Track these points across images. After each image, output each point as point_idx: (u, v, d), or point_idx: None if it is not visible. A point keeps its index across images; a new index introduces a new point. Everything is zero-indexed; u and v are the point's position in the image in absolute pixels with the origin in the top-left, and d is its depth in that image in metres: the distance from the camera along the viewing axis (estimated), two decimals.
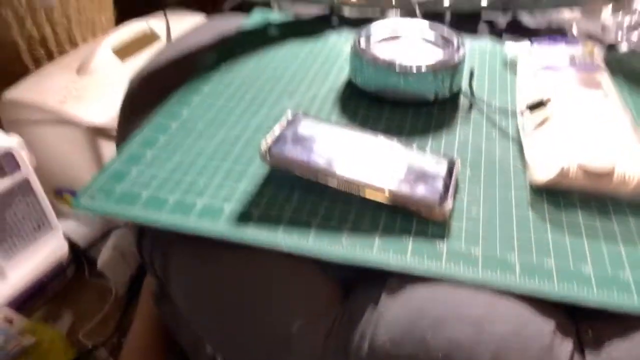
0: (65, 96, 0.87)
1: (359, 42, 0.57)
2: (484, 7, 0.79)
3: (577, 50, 0.56)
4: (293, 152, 0.43)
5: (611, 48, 0.69)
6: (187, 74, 0.61)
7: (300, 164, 0.42)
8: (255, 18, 0.75)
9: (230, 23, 0.75)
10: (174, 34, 1.07)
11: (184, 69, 0.62)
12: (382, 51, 0.57)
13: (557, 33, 0.74)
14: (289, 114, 0.48)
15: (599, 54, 0.58)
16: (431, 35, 0.60)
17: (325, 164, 0.42)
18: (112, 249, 0.85)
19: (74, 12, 1.09)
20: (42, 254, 0.84)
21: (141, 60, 0.98)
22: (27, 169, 0.78)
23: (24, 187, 0.79)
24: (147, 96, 0.59)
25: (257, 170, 0.45)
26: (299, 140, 0.44)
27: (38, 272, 0.83)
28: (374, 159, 0.43)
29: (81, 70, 0.93)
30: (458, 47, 0.56)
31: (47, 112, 0.86)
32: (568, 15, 0.76)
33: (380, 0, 0.80)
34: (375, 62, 0.54)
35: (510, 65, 0.63)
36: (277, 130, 0.45)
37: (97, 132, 0.85)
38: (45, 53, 1.09)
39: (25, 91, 0.90)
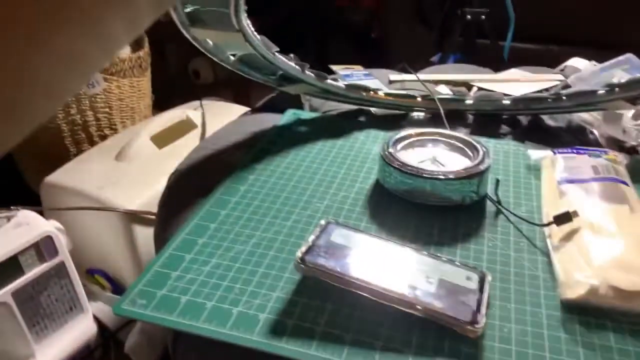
0: (104, 182, 0.91)
1: (387, 147, 0.60)
2: (505, 109, 0.82)
3: (600, 161, 0.58)
4: (326, 261, 0.45)
5: (633, 151, 0.71)
6: (223, 173, 0.64)
7: (333, 274, 0.44)
8: (287, 117, 0.80)
9: (264, 122, 0.79)
10: (210, 123, 1.13)
11: (220, 168, 0.66)
12: (409, 157, 0.60)
13: (577, 134, 0.77)
14: (322, 222, 0.50)
15: (622, 162, 0.60)
16: (458, 142, 0.63)
17: (358, 274, 0.43)
18: (139, 333, 0.85)
19: (115, 100, 1.17)
20: (72, 336, 0.85)
21: (177, 147, 1.03)
22: (64, 253, 0.81)
23: (60, 270, 0.81)
24: (184, 196, 0.62)
25: (290, 277, 0.47)
26: (331, 249, 0.46)
27: (66, 353, 0.84)
28: (406, 271, 0.45)
29: (120, 156, 0.98)
30: (483, 156, 0.58)
31: (85, 197, 0.90)
32: (588, 117, 0.79)
33: (405, 99, 0.84)
34: (403, 168, 0.57)
35: (534, 170, 0.65)
36: (310, 239, 0.47)
37: (132, 218, 0.88)
38: (86, 137, 1.16)
39: (65, 176, 0.95)
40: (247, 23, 0.61)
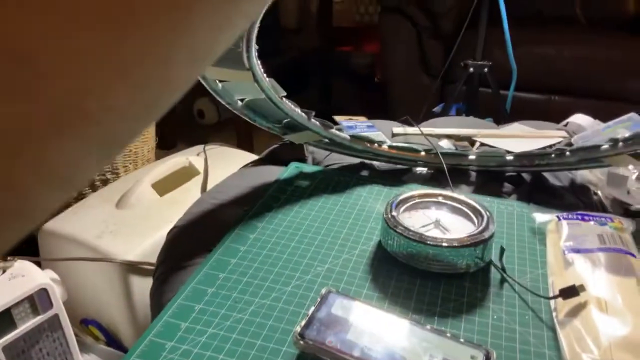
0: (103, 231, 0.90)
1: (390, 210, 0.60)
2: (508, 165, 0.82)
3: (606, 229, 0.57)
4: (326, 337, 0.43)
5: (638, 215, 0.70)
6: (223, 231, 0.63)
7: (333, 352, 0.42)
8: (289, 171, 0.80)
9: (266, 175, 0.79)
10: (212, 169, 1.13)
11: (220, 225, 0.65)
12: (412, 220, 0.59)
13: (581, 195, 0.76)
14: (322, 291, 0.49)
15: (628, 229, 0.59)
16: (461, 205, 0.62)
17: (358, 353, 0.42)
18: None
19: None
20: None
21: (179, 194, 1.03)
22: (59, 306, 0.79)
23: (53, 323, 0.79)
24: (182, 255, 0.61)
25: (289, 350, 0.46)
26: (331, 323, 0.45)
27: None
28: (409, 348, 0.43)
29: (120, 204, 0.97)
30: (488, 222, 0.57)
31: (83, 246, 0.89)
32: (592, 177, 0.78)
33: (409, 152, 0.84)
34: (406, 233, 0.56)
35: (539, 234, 0.64)
36: (310, 310, 0.46)
37: (129, 268, 0.87)
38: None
39: (64, 223, 0.94)
40: (257, 62, 0.61)
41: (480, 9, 1.23)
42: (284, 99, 0.72)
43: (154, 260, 0.84)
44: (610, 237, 0.56)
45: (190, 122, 2.20)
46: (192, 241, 0.64)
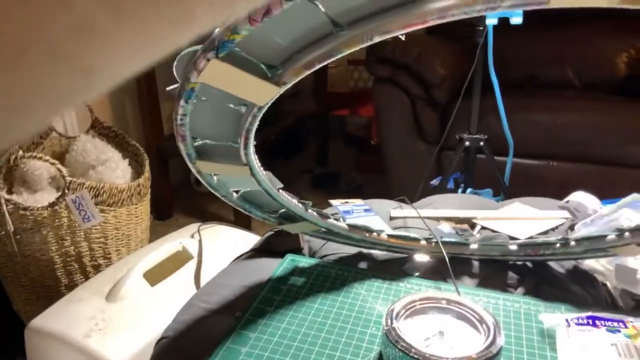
0: (92, 328, 0.86)
1: (390, 320, 0.56)
2: (512, 254, 0.79)
3: (620, 338, 0.54)
4: None
5: None
6: (213, 342, 0.60)
7: None
8: (285, 265, 0.77)
9: (260, 270, 0.76)
10: (207, 251, 1.10)
11: (210, 335, 0.61)
12: (414, 330, 0.56)
13: (588, 287, 0.73)
14: None
15: None
16: (465, 310, 0.59)
17: None
18: None
19: (111, 229, 1.14)
20: None
21: (172, 282, 1.00)
22: None
23: None
24: None
25: None
26: None
27: None
28: None
29: (110, 296, 0.94)
30: (495, 334, 0.54)
31: (71, 346, 0.85)
32: (599, 267, 0.76)
33: (409, 241, 0.81)
34: (409, 350, 0.52)
35: (548, 337, 0.60)
36: None
37: None
38: (78, 268, 1.12)
39: (51, 320, 0.90)
40: (254, 157, 0.59)
41: (473, 80, 1.23)
42: (280, 190, 0.70)
43: (144, 359, 0.80)
44: (626, 348, 0.53)
45: (186, 190, 2.19)
46: (180, 356, 0.60)
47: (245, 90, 0.40)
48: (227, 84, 0.39)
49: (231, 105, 0.47)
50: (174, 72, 0.40)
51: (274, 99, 0.42)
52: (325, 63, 0.38)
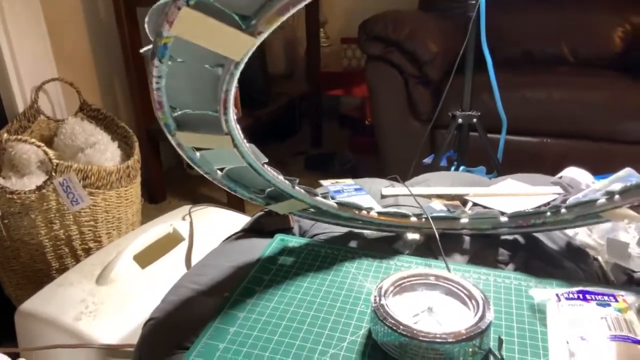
0: (82, 312, 0.86)
1: (379, 297, 0.56)
2: (503, 226, 0.78)
3: (610, 312, 0.54)
4: None
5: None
6: (201, 323, 0.59)
7: None
8: (274, 245, 0.76)
9: (249, 250, 0.75)
10: (198, 233, 1.09)
11: (199, 316, 0.61)
12: (403, 306, 0.55)
13: (580, 261, 0.72)
14: None
15: (633, 306, 0.55)
16: (454, 285, 0.58)
17: None
18: None
19: (101, 212, 1.13)
20: None
21: (162, 265, 0.99)
22: None
23: None
24: (158, 353, 0.57)
25: None
26: None
27: None
28: None
29: (100, 279, 0.93)
30: (484, 309, 0.54)
31: (61, 329, 0.84)
32: (591, 242, 0.75)
33: (399, 218, 0.80)
34: (397, 327, 0.52)
35: (539, 312, 0.60)
36: None
37: (110, 352, 0.82)
38: (69, 251, 1.11)
39: (42, 304, 0.89)
40: (236, 126, 0.57)
41: (466, 56, 1.21)
42: (265, 165, 0.68)
43: (134, 342, 0.79)
44: (615, 322, 0.52)
45: (179, 174, 2.17)
46: (168, 337, 0.59)
47: (220, 42, 0.38)
48: (200, 35, 0.37)
49: (207, 66, 0.45)
50: (146, 30, 0.38)
51: (250, 54, 0.40)
52: (300, 6, 0.36)
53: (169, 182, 2.05)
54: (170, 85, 0.45)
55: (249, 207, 1.76)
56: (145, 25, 0.38)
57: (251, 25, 0.37)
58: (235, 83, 0.45)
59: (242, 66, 0.42)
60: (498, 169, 1.26)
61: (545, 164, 1.51)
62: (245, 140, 0.59)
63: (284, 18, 0.36)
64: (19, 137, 1.03)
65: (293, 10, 0.35)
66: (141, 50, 0.41)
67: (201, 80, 0.45)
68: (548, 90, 1.51)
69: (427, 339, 0.50)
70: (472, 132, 1.35)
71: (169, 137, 0.56)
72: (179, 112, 0.53)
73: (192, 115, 0.53)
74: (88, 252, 1.13)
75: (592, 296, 0.57)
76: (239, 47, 0.38)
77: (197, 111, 0.52)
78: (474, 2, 1.10)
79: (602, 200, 0.69)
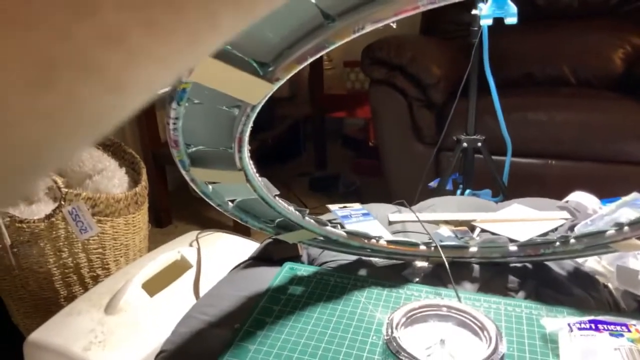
0: (91, 342, 0.85)
1: (390, 330, 0.56)
2: (512, 255, 0.78)
3: (623, 342, 0.53)
4: None
5: None
6: (213, 354, 0.59)
7: None
8: (283, 274, 0.76)
9: (258, 279, 0.75)
10: (206, 259, 1.09)
11: (210, 348, 0.61)
12: (415, 339, 0.55)
13: (589, 289, 0.72)
14: None
15: None
16: (465, 317, 0.58)
17: None
18: None
19: (109, 240, 1.14)
20: None
21: (171, 292, 0.99)
22: None
23: None
24: None
25: None
26: None
27: None
28: None
29: (109, 309, 0.93)
30: (497, 341, 0.54)
31: (70, 359, 0.84)
32: (600, 268, 0.75)
33: (408, 247, 0.81)
34: None
35: (551, 342, 0.60)
36: None
37: None
38: (77, 279, 1.11)
39: (50, 334, 0.89)
40: (249, 162, 0.58)
41: (469, 81, 1.23)
42: (276, 197, 0.69)
43: None
44: (629, 353, 0.52)
45: (184, 197, 2.18)
46: None
47: (238, 88, 0.39)
48: (218, 82, 0.38)
49: (224, 108, 0.46)
50: None
51: (267, 98, 0.41)
52: (318, 56, 0.37)
53: (174, 204, 2.05)
54: (186, 124, 0.46)
55: (254, 230, 1.76)
56: None
57: (269, 72, 0.38)
58: (250, 124, 0.46)
59: (258, 109, 0.43)
60: (504, 191, 1.26)
61: (550, 185, 1.52)
62: (257, 175, 0.60)
63: (302, 66, 0.37)
64: None
65: (311, 59, 0.36)
66: (159, 92, 0.42)
67: (217, 119, 0.46)
68: (549, 112, 1.52)
69: None
70: (476, 155, 1.36)
71: (183, 172, 0.57)
72: (194, 149, 0.53)
73: (206, 152, 0.54)
74: (96, 279, 1.13)
75: (605, 326, 0.57)
76: (256, 92, 0.39)
77: (211, 148, 0.53)
78: (476, 29, 1.11)
79: (612, 231, 0.69)
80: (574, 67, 1.87)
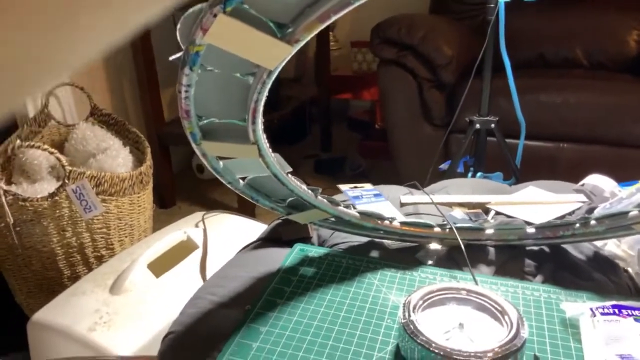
0: (96, 322, 0.84)
1: (408, 312, 0.54)
2: (530, 237, 0.76)
3: None
4: None
5: None
6: (222, 337, 0.57)
7: None
8: (293, 255, 0.74)
9: (268, 260, 0.73)
10: (212, 240, 1.07)
11: (219, 329, 0.59)
12: (433, 322, 0.53)
13: (609, 273, 0.70)
14: None
15: None
16: (484, 300, 0.56)
17: None
18: None
19: (114, 219, 1.12)
20: None
21: (177, 273, 0.97)
22: None
23: None
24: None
25: None
26: None
27: None
28: None
29: (114, 289, 0.91)
30: (518, 325, 0.51)
31: (75, 340, 0.83)
32: (620, 252, 0.73)
33: (422, 228, 0.78)
34: (429, 346, 0.50)
35: (571, 327, 0.58)
36: None
37: None
38: (81, 259, 1.10)
39: (54, 314, 0.88)
40: (263, 136, 0.55)
41: (484, 60, 1.19)
42: (289, 175, 0.67)
43: (150, 353, 0.77)
44: None
45: (189, 178, 2.16)
46: (188, 352, 0.57)
47: (255, 51, 0.36)
48: (235, 44, 0.35)
49: (238, 75, 0.43)
50: (178, 38, 0.37)
51: (284, 63, 0.38)
52: (341, 14, 0.34)
53: (178, 186, 2.03)
54: (198, 93, 0.43)
55: (259, 211, 1.74)
56: (177, 33, 0.36)
57: (288, 33, 0.35)
58: (266, 93, 0.43)
59: (275, 75, 0.40)
60: (516, 174, 1.24)
61: (562, 169, 1.49)
62: (270, 150, 0.57)
63: (325, 25, 0.34)
64: (32, 143, 1.02)
65: (335, 17, 0.34)
66: (170, 58, 0.39)
67: (230, 89, 0.44)
68: (563, 94, 1.49)
69: (461, 358, 0.48)
70: (489, 137, 1.33)
71: (194, 146, 0.54)
72: (205, 121, 0.51)
73: (218, 124, 0.51)
74: (100, 259, 1.11)
75: (629, 311, 0.55)
76: (274, 55, 0.36)
77: (223, 120, 0.50)
78: (492, 5, 1.08)
79: (635, 212, 0.67)
80: (586, 49, 1.83)
